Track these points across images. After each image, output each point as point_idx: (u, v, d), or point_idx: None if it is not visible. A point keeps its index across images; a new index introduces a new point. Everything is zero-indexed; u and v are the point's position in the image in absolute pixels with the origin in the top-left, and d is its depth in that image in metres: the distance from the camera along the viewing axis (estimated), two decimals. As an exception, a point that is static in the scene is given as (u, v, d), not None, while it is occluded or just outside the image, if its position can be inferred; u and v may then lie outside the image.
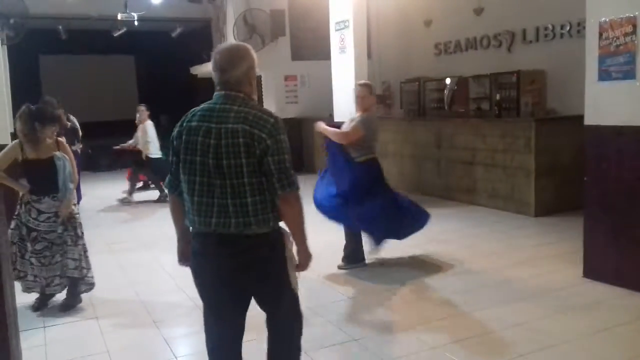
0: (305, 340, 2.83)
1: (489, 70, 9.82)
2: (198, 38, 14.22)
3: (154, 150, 9.22)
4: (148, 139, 9.13)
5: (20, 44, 10.08)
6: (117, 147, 10.09)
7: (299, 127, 12.42)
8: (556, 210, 6.93)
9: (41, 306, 4.57)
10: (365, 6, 7.84)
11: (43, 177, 4.37)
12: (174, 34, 13.30)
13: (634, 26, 4.20)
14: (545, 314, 4.05)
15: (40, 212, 4.38)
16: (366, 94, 5.15)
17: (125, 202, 9.31)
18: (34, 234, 4.37)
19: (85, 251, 4.60)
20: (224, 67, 2.41)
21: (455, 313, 4.15)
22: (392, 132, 9.65)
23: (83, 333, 4.08)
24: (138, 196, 9.61)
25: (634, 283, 4.35)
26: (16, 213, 4.44)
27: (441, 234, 6.24)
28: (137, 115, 9.36)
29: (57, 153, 4.42)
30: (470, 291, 4.58)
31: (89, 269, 4.62)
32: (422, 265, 5.31)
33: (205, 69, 13.99)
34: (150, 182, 10.09)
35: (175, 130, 2.44)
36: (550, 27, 9.32)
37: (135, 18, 10.73)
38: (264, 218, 2.36)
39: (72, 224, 4.50)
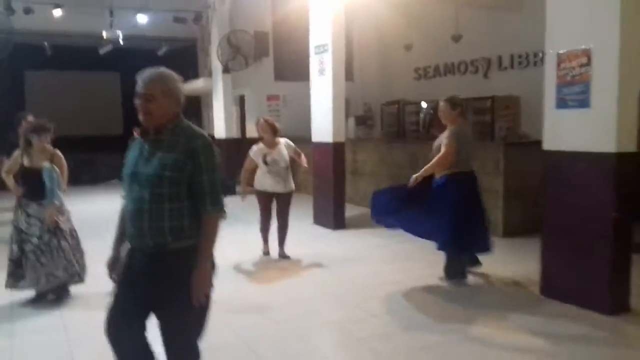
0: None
1: (467, 94, 10.08)
2: (184, 57, 14.43)
3: None
4: None
5: (6, 59, 10.22)
6: None
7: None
8: (523, 231, 7.11)
9: (37, 301, 4.95)
10: (343, 32, 8.03)
11: (32, 184, 4.78)
12: (160, 53, 13.48)
13: (589, 58, 4.44)
14: (503, 328, 4.23)
15: (28, 215, 4.79)
16: (447, 109, 5.26)
17: None
18: (23, 235, 4.78)
19: (75, 253, 4.90)
20: None
21: (405, 327, 4.31)
22: (370, 152, 9.87)
23: (50, 341, 4.17)
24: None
25: (586, 301, 4.53)
26: (14, 218, 4.91)
27: (412, 252, 6.40)
28: None
29: (47, 164, 4.77)
30: (432, 305, 4.74)
31: (81, 267, 4.97)
32: (394, 281, 5.47)
33: (190, 88, 14.18)
34: None
35: None
36: (524, 54, 9.66)
37: (120, 37, 10.91)
38: None
39: (57, 231, 4.79)
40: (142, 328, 2.64)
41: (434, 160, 5.19)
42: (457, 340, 4.04)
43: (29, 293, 4.98)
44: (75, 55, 14.79)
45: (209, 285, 2.54)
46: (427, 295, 5.09)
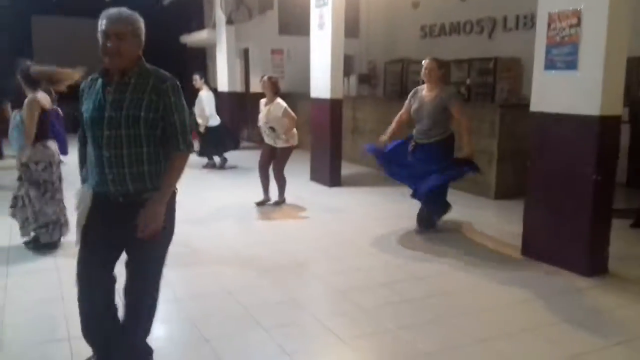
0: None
1: (471, 55, 10.02)
2: (189, 7, 14.31)
3: (207, 121, 9.15)
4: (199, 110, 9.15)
5: (12, 4, 10.18)
6: None
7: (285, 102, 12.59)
8: (515, 194, 7.15)
9: (29, 244, 5.12)
10: (344, -16, 7.95)
11: None
12: (165, 2, 13.38)
13: (579, 18, 4.41)
14: (480, 285, 4.38)
15: None
16: (435, 68, 5.46)
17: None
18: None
19: (43, 208, 4.93)
20: None
21: (409, 276, 4.46)
22: (370, 111, 9.88)
23: (43, 281, 4.36)
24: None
25: (565, 262, 4.65)
26: None
27: (402, 211, 6.50)
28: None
29: (16, 111, 4.87)
30: (415, 261, 4.89)
31: (46, 223, 4.97)
32: (380, 237, 5.61)
33: (195, 38, 14.11)
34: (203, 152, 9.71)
35: None
36: (529, 15, 9.50)
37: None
38: None
39: (26, 180, 4.87)
40: (112, 270, 2.77)
41: (468, 131, 5.39)
42: (437, 294, 4.18)
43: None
44: (82, 2, 14.68)
45: (160, 221, 2.54)
46: (411, 252, 5.20)
